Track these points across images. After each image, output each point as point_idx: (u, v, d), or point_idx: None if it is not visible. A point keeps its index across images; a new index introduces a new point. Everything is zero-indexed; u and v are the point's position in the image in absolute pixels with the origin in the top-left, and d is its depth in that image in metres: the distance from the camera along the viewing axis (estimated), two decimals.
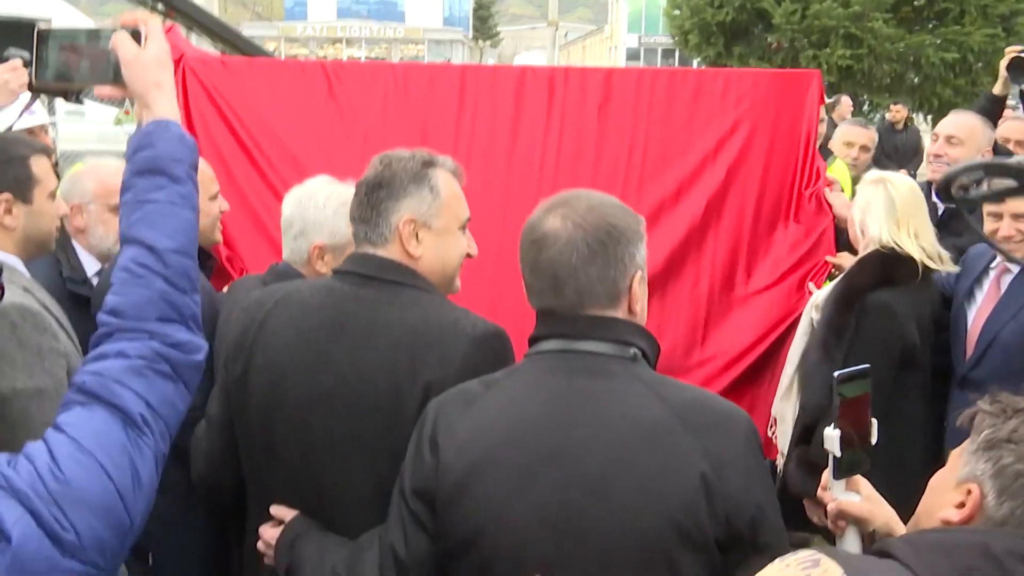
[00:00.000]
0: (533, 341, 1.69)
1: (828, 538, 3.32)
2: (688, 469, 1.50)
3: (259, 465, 2.01)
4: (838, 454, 1.67)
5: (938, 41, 15.13)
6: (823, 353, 3.01)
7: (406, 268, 1.94)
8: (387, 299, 1.90)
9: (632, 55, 57.74)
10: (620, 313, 1.65)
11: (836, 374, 1.67)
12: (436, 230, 1.98)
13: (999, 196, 1.62)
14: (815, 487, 2.92)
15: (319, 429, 1.88)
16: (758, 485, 1.56)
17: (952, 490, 1.40)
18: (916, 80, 15.83)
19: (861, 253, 3.13)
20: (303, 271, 2.48)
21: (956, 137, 3.88)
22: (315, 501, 1.91)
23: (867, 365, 1.74)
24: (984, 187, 1.56)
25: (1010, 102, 4.85)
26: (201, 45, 5.14)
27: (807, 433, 3.01)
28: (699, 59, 17.79)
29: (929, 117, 16.56)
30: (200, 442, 2.16)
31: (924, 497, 1.53)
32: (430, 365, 1.81)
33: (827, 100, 4.99)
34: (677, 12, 18.01)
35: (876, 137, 5.03)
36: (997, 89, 4.57)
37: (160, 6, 4.23)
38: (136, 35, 1.60)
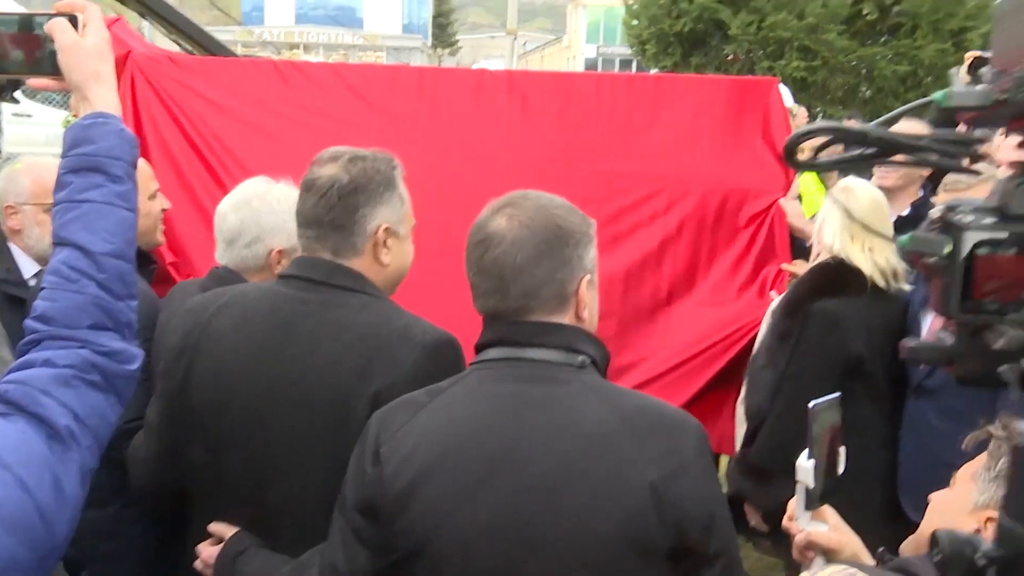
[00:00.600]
0: (479, 348, 1.64)
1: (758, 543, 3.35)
2: (637, 477, 1.46)
3: (201, 474, 1.92)
4: (811, 485, 1.63)
5: (891, 54, 15.40)
6: (767, 358, 3.03)
7: (355, 273, 1.88)
8: (335, 303, 1.84)
9: (591, 65, 58.02)
10: (567, 318, 1.60)
11: (810, 405, 1.62)
12: (401, 237, 1.94)
13: (853, 163, 1.49)
14: (750, 489, 2.97)
15: (263, 437, 1.81)
16: (710, 492, 1.52)
17: (967, 515, 1.38)
18: (869, 93, 16.09)
19: (812, 261, 3.13)
20: (252, 278, 2.39)
21: None
22: (259, 511, 1.84)
23: (838, 394, 1.70)
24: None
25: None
26: (155, 40, 5.02)
27: (751, 437, 3.04)
28: (657, 69, 17.92)
29: None
30: (139, 450, 2.07)
31: (929, 517, 1.50)
32: (379, 372, 1.75)
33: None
34: (635, 22, 18.13)
35: None
36: None
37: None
38: (74, 21, 1.50)
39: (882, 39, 15.97)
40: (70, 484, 1.26)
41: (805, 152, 1.15)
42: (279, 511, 1.82)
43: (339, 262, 1.87)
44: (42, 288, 1.41)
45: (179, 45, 4.55)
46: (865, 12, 15.56)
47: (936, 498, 1.50)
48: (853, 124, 1.34)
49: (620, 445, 1.49)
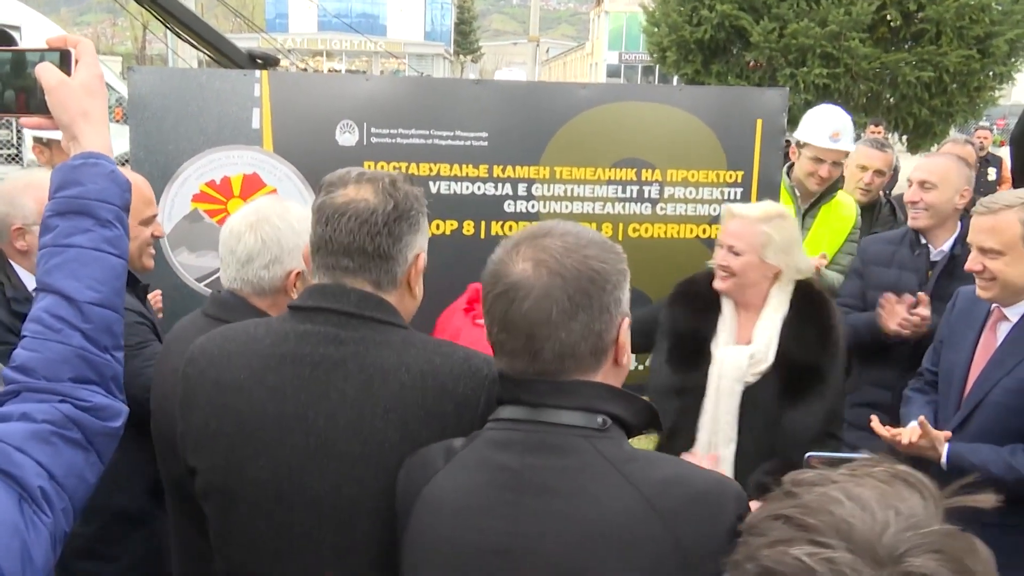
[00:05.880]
0: (499, 402, 1.48)
1: None
2: (660, 568, 1.26)
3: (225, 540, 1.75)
4: None
5: (914, 61, 15.23)
6: None
7: (386, 303, 1.68)
8: (377, 341, 1.63)
9: (613, 72, 57.98)
10: (604, 369, 1.41)
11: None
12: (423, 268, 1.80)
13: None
14: None
15: (303, 501, 1.63)
16: None
17: None
18: (892, 99, 15.92)
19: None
20: (261, 302, 2.27)
21: (929, 181, 3.62)
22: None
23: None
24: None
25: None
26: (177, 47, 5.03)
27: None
28: (677, 76, 17.82)
29: (904, 137, 16.64)
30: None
31: None
32: (449, 415, 1.57)
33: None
34: (655, 29, 18.03)
35: (894, 160, 4.70)
36: None
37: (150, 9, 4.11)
38: (67, 57, 1.45)
39: (906, 46, 15.80)
40: (40, 552, 1.16)
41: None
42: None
43: (365, 290, 1.69)
44: (23, 336, 1.33)
45: (199, 51, 4.53)
46: (888, 19, 15.41)
47: None
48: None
49: (638, 530, 1.27)
